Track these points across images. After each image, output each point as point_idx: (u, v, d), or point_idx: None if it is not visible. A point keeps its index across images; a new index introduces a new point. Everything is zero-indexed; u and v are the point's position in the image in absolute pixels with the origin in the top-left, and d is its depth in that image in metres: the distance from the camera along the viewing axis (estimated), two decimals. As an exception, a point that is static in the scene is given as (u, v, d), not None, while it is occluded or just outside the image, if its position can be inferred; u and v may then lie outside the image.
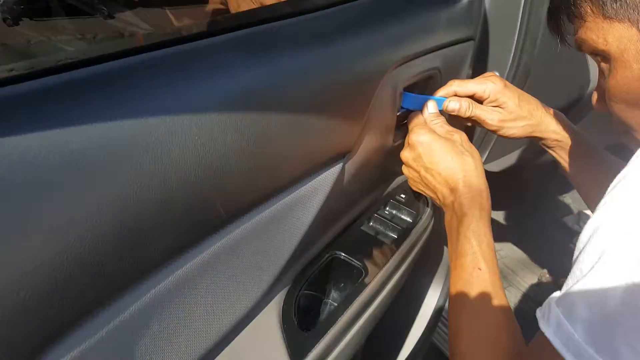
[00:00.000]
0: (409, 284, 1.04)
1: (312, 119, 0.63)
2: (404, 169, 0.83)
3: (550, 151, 0.90)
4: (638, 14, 0.51)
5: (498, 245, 1.99)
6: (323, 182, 0.69)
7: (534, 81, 1.34)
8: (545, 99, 0.93)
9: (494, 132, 0.85)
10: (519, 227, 2.21)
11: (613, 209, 0.46)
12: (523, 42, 1.28)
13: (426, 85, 0.95)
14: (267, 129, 0.56)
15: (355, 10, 0.79)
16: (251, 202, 0.59)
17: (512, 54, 1.30)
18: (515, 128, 0.84)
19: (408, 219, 0.93)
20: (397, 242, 0.86)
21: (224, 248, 0.56)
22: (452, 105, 0.84)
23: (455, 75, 1.02)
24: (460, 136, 0.80)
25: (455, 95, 0.86)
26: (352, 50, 0.70)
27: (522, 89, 1.32)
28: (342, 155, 0.72)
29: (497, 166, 1.51)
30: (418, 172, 0.80)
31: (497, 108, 0.84)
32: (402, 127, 0.89)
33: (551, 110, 0.88)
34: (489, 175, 1.52)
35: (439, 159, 0.77)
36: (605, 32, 0.54)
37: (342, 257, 0.80)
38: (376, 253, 0.82)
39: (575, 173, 0.88)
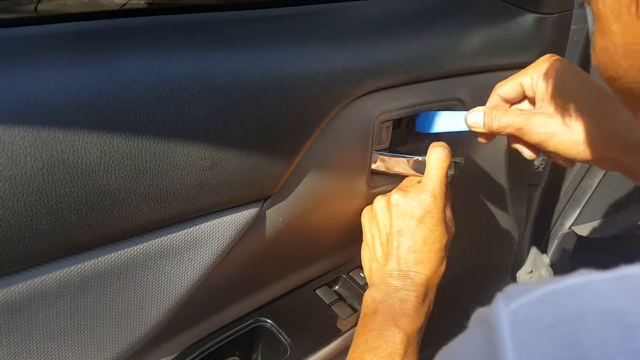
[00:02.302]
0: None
1: (192, 145, 0.48)
2: (367, 214, 0.64)
3: None
4: None
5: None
6: (215, 229, 0.53)
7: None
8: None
9: (546, 153, 0.56)
10: None
11: None
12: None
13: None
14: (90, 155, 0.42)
15: (320, 15, 0.62)
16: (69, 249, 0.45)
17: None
18: (570, 143, 0.52)
19: (391, 288, 0.71)
20: (354, 319, 0.66)
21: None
22: (472, 118, 0.60)
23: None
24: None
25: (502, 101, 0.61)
26: (283, 60, 0.53)
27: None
28: (256, 198, 0.55)
29: (589, 230, 1.19)
30: (383, 229, 0.61)
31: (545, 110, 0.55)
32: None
33: None
34: (579, 241, 1.22)
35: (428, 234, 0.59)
36: None
37: (267, 326, 0.63)
38: (319, 328, 0.63)
39: None
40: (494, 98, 0.62)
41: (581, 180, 1.13)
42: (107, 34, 0.45)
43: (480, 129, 0.60)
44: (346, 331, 0.64)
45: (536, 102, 0.57)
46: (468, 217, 0.93)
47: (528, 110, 0.58)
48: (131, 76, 0.43)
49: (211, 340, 0.59)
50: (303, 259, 0.68)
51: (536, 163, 1.18)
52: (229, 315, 0.62)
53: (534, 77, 0.57)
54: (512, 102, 0.61)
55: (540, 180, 1.23)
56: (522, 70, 0.59)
